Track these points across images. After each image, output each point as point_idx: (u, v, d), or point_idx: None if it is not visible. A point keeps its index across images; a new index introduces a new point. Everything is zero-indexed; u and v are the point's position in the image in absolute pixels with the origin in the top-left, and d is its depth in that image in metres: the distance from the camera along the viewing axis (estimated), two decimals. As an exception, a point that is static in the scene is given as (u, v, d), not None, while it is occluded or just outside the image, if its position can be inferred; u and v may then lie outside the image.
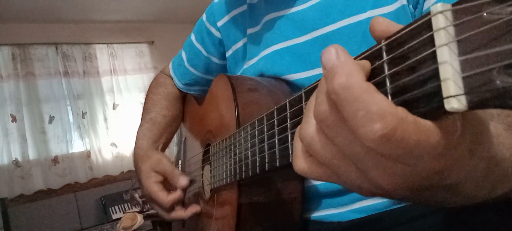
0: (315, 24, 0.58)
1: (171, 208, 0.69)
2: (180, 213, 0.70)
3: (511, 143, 0.29)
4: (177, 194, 0.68)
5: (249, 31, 0.70)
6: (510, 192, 0.30)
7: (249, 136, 0.47)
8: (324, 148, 0.24)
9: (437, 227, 0.52)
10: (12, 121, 3.43)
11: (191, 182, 0.72)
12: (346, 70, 0.21)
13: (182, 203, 0.71)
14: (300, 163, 0.27)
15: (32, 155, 3.49)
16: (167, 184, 0.70)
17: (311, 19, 0.58)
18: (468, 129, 0.23)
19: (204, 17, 0.82)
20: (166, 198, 0.67)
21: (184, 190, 0.69)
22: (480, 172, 0.25)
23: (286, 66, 0.61)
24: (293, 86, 0.62)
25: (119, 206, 3.52)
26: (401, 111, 0.20)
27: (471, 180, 0.25)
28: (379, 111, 0.20)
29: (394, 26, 0.23)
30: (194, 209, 0.69)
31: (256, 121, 0.45)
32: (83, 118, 3.76)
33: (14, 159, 3.41)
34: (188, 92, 0.90)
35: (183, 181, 0.67)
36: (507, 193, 0.30)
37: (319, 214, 0.59)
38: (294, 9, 0.61)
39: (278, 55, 0.62)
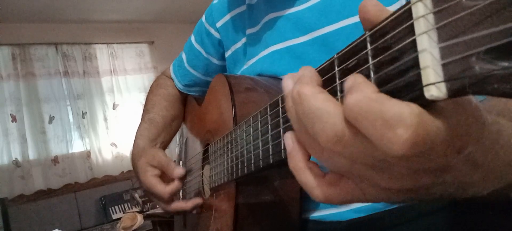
0: (314, 24, 0.58)
1: (170, 199, 0.71)
2: (181, 204, 0.71)
3: (508, 124, 0.29)
4: (175, 185, 0.70)
5: (249, 31, 0.70)
6: (510, 190, 0.30)
7: (244, 133, 0.47)
8: (339, 159, 0.24)
9: (437, 227, 0.52)
10: (12, 121, 3.44)
11: (188, 172, 0.73)
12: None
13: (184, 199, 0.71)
14: (319, 192, 0.27)
15: (32, 155, 3.50)
16: (165, 177, 0.72)
17: (310, 20, 0.58)
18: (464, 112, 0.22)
19: (203, 18, 0.82)
20: (164, 189, 0.69)
21: (182, 179, 0.71)
22: (489, 140, 0.25)
23: (285, 66, 0.61)
24: None
25: (119, 206, 3.53)
26: (417, 108, 0.19)
27: (483, 148, 0.25)
28: (395, 116, 0.19)
29: (383, 13, 0.23)
30: (196, 201, 0.70)
31: (251, 118, 0.44)
32: (83, 118, 3.77)
33: (14, 159, 3.42)
34: (188, 93, 0.90)
35: (178, 171, 0.70)
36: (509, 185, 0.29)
37: (318, 213, 0.59)
38: (294, 10, 0.61)
39: (277, 56, 0.62)
